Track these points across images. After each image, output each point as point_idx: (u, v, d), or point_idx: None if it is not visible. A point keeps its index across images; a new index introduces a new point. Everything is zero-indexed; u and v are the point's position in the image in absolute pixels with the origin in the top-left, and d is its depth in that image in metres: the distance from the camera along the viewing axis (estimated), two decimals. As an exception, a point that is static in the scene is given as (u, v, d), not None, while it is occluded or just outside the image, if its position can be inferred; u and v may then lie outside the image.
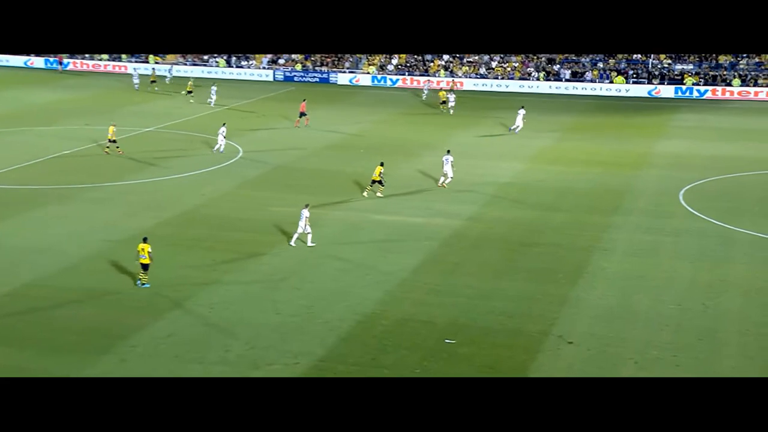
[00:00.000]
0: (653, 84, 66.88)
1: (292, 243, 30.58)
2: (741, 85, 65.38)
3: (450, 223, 33.95)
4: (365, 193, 36.90)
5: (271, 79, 73.27)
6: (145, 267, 26.57)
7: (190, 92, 61.76)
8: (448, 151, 39.92)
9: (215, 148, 44.94)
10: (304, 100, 54.06)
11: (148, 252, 26.40)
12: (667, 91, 66.26)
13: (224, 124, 46.16)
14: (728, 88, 65.08)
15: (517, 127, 51.17)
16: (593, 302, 26.20)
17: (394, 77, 71.79)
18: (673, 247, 31.28)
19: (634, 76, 68.55)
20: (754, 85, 65.26)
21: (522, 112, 51.79)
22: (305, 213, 30.50)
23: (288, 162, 44.22)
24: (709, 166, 43.13)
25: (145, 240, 26.92)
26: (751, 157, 45.08)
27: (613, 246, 31.41)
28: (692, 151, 46.98)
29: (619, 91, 66.59)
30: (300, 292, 26.68)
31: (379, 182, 37.13)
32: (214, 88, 60.12)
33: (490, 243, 31.68)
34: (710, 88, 65.44)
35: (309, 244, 30.51)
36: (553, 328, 24.03)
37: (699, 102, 63.59)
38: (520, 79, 69.85)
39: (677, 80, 67.17)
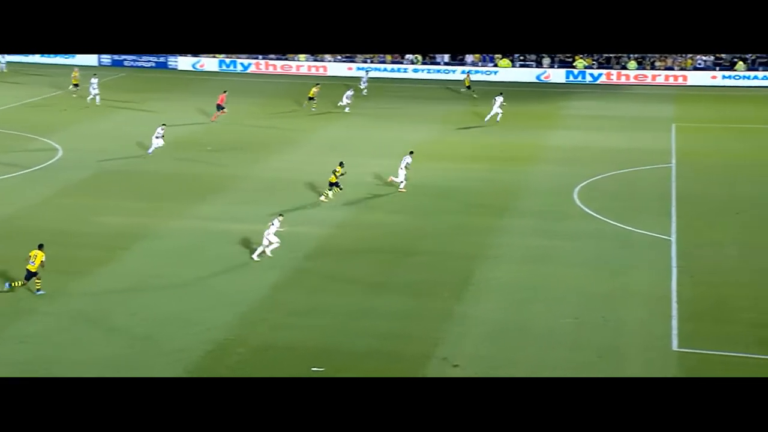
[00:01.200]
0: (542, 68, 68.66)
1: (255, 256, 30.40)
2: (637, 69, 67.88)
3: (316, 232, 33.73)
4: (322, 197, 37.20)
5: (95, 63, 70.52)
6: (29, 275, 27.02)
7: (75, 85, 57.99)
8: (411, 153, 39.82)
9: (151, 150, 43.74)
10: (225, 92, 53.45)
11: (41, 261, 27.03)
12: (557, 75, 68.15)
13: (163, 124, 44.87)
14: (624, 72, 67.61)
15: (497, 114, 52.23)
16: (481, 318, 26.50)
17: (246, 61, 70.55)
18: (569, 253, 32.05)
19: (521, 59, 70.10)
20: (651, 69, 67.94)
21: (499, 99, 52.47)
22: (276, 222, 30.70)
23: (119, 163, 42.89)
24: (605, 160, 44.66)
25: (40, 247, 27.37)
26: (649, 149, 47.02)
27: (502, 253, 31.92)
28: (587, 144, 48.54)
29: (505, 75, 68.06)
30: (135, 319, 25.92)
31: (336, 185, 37.23)
32: (94, 80, 55.73)
33: (363, 254, 31.62)
34: (604, 71, 67.66)
35: (266, 254, 30.40)
36: (437, 349, 24.13)
37: (592, 87, 65.86)
38: (393, 62, 70.32)
39: (568, 63, 68.99)
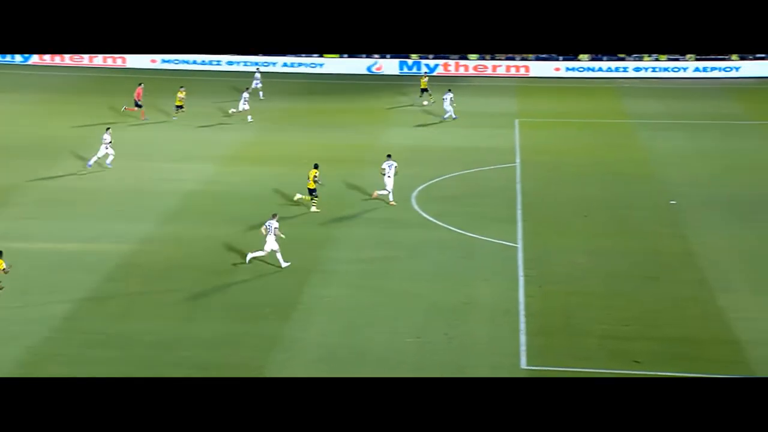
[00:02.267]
0: (373, 58, 69.34)
1: (284, 264, 31.31)
2: (478, 59, 69.67)
3: (117, 249, 32.85)
4: (314, 208, 37.34)
5: None
6: None
7: None
8: (389, 156, 39.26)
9: (90, 161, 41.94)
10: (141, 84, 51.90)
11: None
12: (390, 66, 69.05)
13: (108, 129, 42.79)
14: (462, 63, 69.28)
15: (449, 114, 53.08)
16: (311, 342, 26.43)
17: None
18: (408, 265, 32.47)
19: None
20: (491, 59, 69.89)
21: (449, 96, 53.02)
22: (274, 224, 31.30)
23: None
24: (444, 160, 45.54)
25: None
26: (491, 147, 48.30)
27: (333, 268, 31.98)
28: (425, 142, 49.38)
29: (332, 67, 68.30)
30: None
31: (311, 191, 37.40)
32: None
33: (173, 272, 31.03)
34: (441, 62, 69.13)
35: (283, 264, 31.30)
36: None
37: (429, 79, 67.10)
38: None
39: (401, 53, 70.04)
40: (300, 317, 28.08)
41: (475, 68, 68.87)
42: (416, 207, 38.65)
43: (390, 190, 38.61)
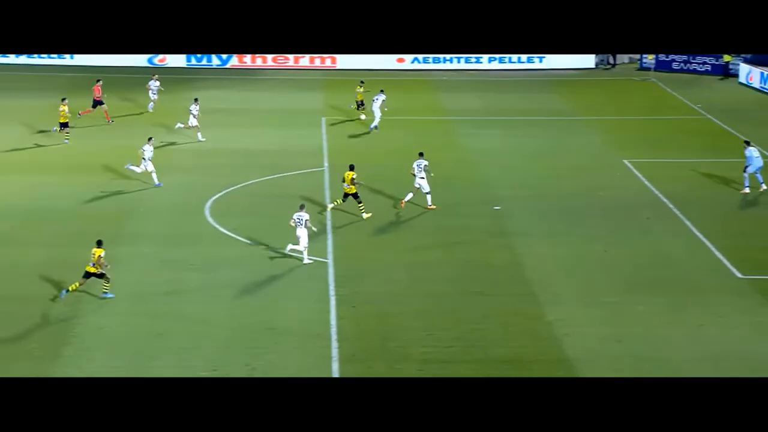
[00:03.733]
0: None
1: (306, 260, 33.92)
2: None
3: None
4: (364, 214, 38.40)
5: None
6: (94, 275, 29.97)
7: None
8: (421, 154, 39.99)
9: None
10: (99, 81, 51.53)
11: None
12: (175, 58, 68.22)
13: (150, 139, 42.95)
14: (260, 54, 69.19)
15: (375, 122, 51.75)
16: (88, 383, 25.70)
17: None
18: (203, 287, 32.22)
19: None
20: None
21: (381, 97, 51.64)
22: (304, 216, 33.88)
23: None
24: (241, 165, 45.28)
25: (99, 244, 30.48)
26: (296, 149, 48.35)
27: (112, 292, 31.39)
28: (216, 145, 49.07)
29: (104, 58, 66.77)
30: None
31: (354, 195, 38.03)
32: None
33: None
34: (235, 54, 68.84)
35: (306, 260, 33.90)
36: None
37: (222, 73, 66.47)
38: None
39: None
40: (73, 353, 27.37)
41: (274, 60, 68.71)
42: (210, 220, 38.30)
43: (427, 191, 39.44)
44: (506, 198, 41.00)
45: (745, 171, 42.26)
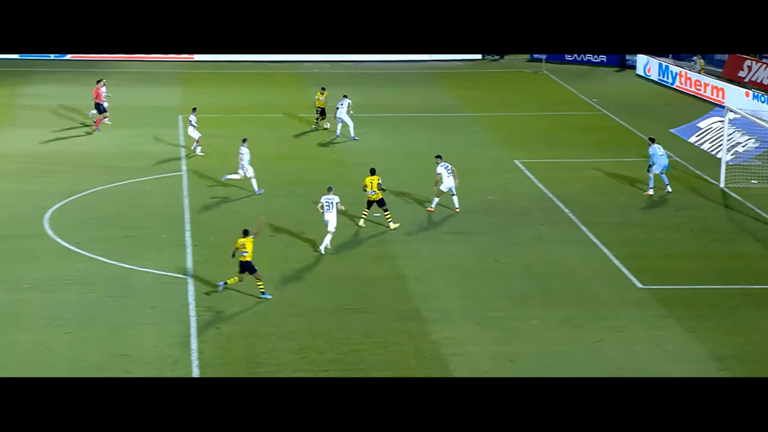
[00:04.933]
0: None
1: (326, 246, 36.14)
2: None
3: None
4: (361, 222, 38.88)
5: None
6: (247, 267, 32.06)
7: None
8: (439, 157, 40.62)
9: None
10: (100, 81, 51.22)
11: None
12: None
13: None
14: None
15: (347, 127, 50.95)
16: None
17: None
18: (41, 310, 31.87)
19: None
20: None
21: (345, 102, 50.81)
22: (335, 199, 36.00)
23: None
24: (86, 170, 44.83)
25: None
26: (148, 152, 47.92)
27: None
28: (59, 147, 48.65)
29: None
30: None
31: (379, 203, 38.46)
32: None
33: None
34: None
35: (324, 247, 36.19)
36: None
37: (60, 65, 65.44)
38: None
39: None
40: None
41: (125, 51, 67.81)
42: (50, 232, 37.81)
43: (454, 193, 40.37)
44: (388, 203, 41.16)
45: (649, 170, 43.15)
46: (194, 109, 48.45)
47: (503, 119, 56.00)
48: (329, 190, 36.46)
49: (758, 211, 41.46)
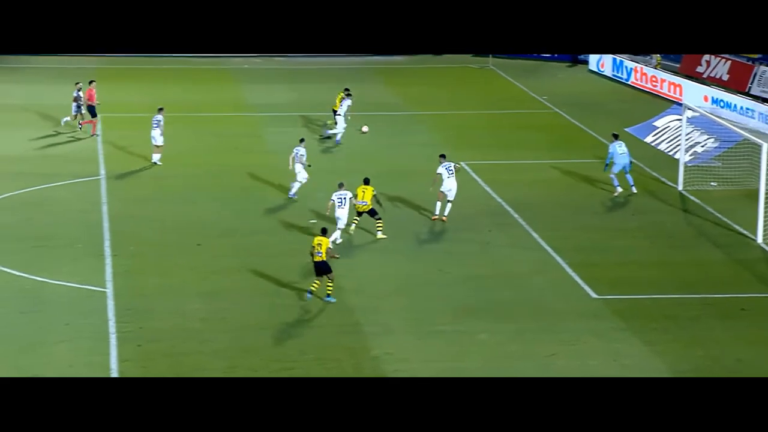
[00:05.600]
0: None
1: (338, 239, 37.12)
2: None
3: None
4: (379, 233, 38.78)
5: None
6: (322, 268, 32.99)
7: None
8: (443, 156, 40.83)
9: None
10: (92, 83, 50.68)
11: (327, 248, 33.17)
12: None
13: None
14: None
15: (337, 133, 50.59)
16: None
17: None
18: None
19: None
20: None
21: (346, 103, 50.57)
22: (348, 194, 37.22)
23: None
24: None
25: (323, 232, 33.72)
26: (61, 154, 47.84)
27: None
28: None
29: None
30: None
31: (371, 213, 38.31)
32: None
33: None
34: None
35: (338, 239, 37.31)
36: None
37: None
38: None
39: None
40: None
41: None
42: (-48, 243, 37.41)
43: (450, 199, 40.25)
44: (321, 211, 40.92)
45: (605, 169, 43.29)
46: (160, 109, 47.52)
47: (448, 118, 56.05)
48: (341, 186, 37.36)
49: (718, 215, 41.68)
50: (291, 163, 41.98)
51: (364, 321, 32.29)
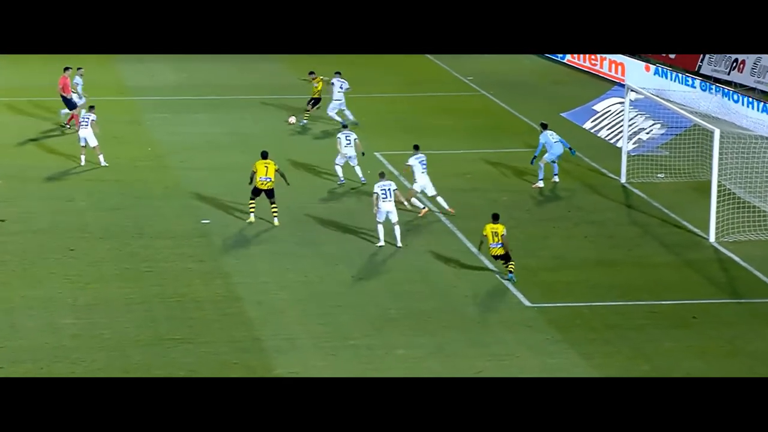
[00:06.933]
0: None
1: (381, 242, 38.21)
2: None
3: None
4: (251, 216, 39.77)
5: None
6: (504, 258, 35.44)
7: None
8: (416, 147, 41.81)
9: None
10: (67, 69, 50.50)
11: (502, 235, 35.18)
12: None
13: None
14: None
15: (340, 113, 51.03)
16: None
17: None
18: None
19: None
20: None
21: (339, 83, 51.25)
22: (392, 186, 38.10)
23: None
24: None
25: (495, 218, 35.54)
26: None
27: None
28: None
29: None
30: None
31: (269, 194, 39.25)
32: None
33: None
34: None
35: (399, 243, 38.38)
36: None
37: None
38: None
39: None
40: None
41: None
42: None
43: (419, 192, 41.52)
44: (214, 210, 40.82)
45: (533, 161, 43.64)
46: (92, 107, 47.52)
47: (359, 102, 55.75)
48: (382, 176, 38.41)
49: (666, 211, 42.13)
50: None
51: (264, 335, 32.16)
